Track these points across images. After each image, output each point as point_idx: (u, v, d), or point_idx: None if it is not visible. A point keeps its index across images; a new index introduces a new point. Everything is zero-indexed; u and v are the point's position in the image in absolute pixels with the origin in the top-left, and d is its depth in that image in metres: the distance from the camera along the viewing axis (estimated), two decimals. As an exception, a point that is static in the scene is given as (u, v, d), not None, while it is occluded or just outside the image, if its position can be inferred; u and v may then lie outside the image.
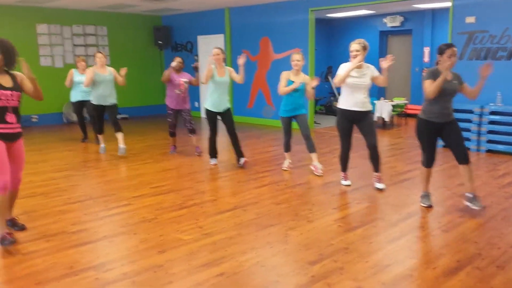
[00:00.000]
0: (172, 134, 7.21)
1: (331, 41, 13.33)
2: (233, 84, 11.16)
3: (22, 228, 3.99)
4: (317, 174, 5.80)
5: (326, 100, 12.66)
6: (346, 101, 4.98)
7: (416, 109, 11.17)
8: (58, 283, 3.01)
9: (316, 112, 11.39)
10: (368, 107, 5.00)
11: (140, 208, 4.58)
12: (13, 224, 3.99)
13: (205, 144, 6.95)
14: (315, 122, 10.22)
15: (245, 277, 3.09)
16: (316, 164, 5.85)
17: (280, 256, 3.41)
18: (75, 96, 8.18)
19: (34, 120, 10.46)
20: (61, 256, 3.43)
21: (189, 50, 12.08)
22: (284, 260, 3.36)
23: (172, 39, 12.44)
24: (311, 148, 5.89)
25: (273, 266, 3.24)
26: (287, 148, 6.07)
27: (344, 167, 5.33)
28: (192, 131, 7.09)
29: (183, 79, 6.84)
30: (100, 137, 7.47)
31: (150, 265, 3.26)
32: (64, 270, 3.19)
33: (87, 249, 3.61)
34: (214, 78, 6.05)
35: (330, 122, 10.68)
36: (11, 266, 3.29)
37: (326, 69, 12.65)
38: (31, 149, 7.70)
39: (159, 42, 12.24)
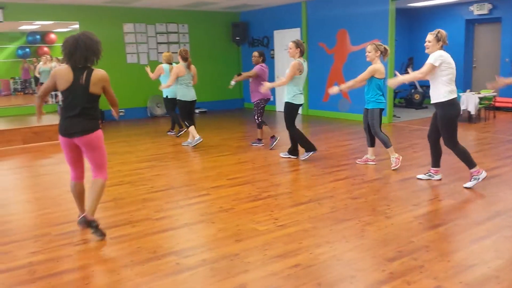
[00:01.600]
0: (261, 125, 7.27)
1: (412, 32, 12.76)
2: (309, 77, 11.11)
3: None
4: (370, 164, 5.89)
5: (406, 93, 12.17)
6: (452, 92, 4.71)
7: (506, 101, 10.39)
8: (143, 266, 3.20)
9: (395, 105, 10.98)
10: None
11: (218, 198, 4.73)
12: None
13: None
14: (394, 116, 9.87)
15: (321, 269, 3.09)
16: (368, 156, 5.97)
17: (356, 251, 3.36)
18: (169, 93, 8.27)
19: (121, 114, 11.16)
20: (145, 241, 3.65)
21: (265, 45, 12.19)
22: (361, 255, 3.30)
23: (249, 34, 12.62)
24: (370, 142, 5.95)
25: (350, 261, 3.20)
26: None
27: (472, 163, 4.85)
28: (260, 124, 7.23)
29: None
30: (192, 128, 7.56)
31: (227, 253, 3.37)
32: (148, 254, 3.39)
33: (169, 235, 3.80)
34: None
35: (409, 115, 10.27)
36: (100, 249, 3.55)
37: (406, 60, 12.14)
38: (118, 141, 8.25)
39: (237, 38, 12.47)
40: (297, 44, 6.00)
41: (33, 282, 3.01)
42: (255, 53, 7.13)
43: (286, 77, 6.04)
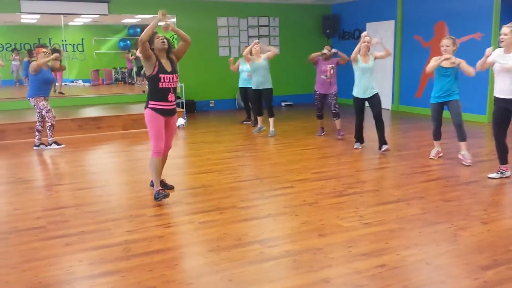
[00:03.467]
0: (319, 117, 7.58)
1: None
2: (402, 72, 10.64)
3: (171, 187, 4.76)
4: (465, 164, 5.53)
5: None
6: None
7: None
8: (228, 252, 3.30)
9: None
10: None
11: (301, 191, 4.72)
12: (164, 185, 4.70)
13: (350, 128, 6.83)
14: (495, 115, 9.16)
15: (408, 272, 2.97)
16: (464, 153, 5.58)
17: (447, 256, 3.18)
18: (240, 83, 9.11)
19: (211, 105, 11.56)
20: (231, 228, 3.76)
21: (356, 38, 11.88)
22: (453, 260, 3.12)
23: (340, 27, 12.38)
24: (461, 137, 5.59)
25: (440, 266, 3.03)
26: (437, 136, 5.87)
27: (505, 159, 4.92)
28: (336, 115, 7.33)
29: (329, 65, 7.18)
30: (259, 118, 8.16)
31: (310, 247, 3.35)
32: (234, 241, 3.49)
33: (253, 224, 3.88)
34: (358, 64, 6.20)
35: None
36: (189, 233, 3.72)
37: None
38: (208, 131, 8.56)
39: (327, 30, 12.30)
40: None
41: (128, 259, 3.23)
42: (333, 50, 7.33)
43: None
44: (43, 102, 6.85)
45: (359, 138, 6.62)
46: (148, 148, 7.16)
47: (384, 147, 6.30)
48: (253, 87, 7.86)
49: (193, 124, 9.47)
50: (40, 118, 6.95)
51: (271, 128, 7.85)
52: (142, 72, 11.93)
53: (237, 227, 3.78)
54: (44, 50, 7.06)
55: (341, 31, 12.36)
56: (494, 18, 8.51)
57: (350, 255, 3.21)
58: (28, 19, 11.68)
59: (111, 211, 4.25)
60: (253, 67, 7.74)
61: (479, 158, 5.82)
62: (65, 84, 13.24)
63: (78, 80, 14.60)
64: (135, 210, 4.24)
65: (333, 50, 7.25)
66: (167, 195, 4.32)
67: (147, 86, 4.44)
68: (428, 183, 4.93)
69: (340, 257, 3.18)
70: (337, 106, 7.33)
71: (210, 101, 11.54)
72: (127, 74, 15.12)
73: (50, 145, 7.03)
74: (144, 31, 4.08)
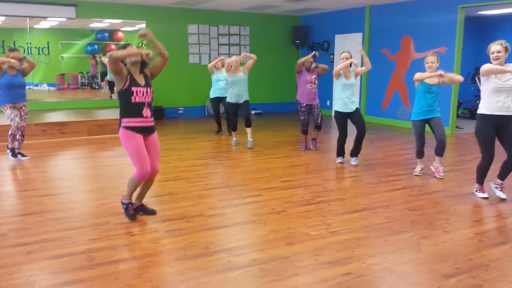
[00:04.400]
0: (305, 132, 7.31)
1: (480, 41, 12.13)
2: (368, 83, 10.88)
3: (152, 213, 4.23)
4: (438, 176, 5.61)
5: (471, 104, 11.63)
6: (489, 106, 4.55)
7: None
8: (195, 261, 3.26)
9: (458, 116, 10.52)
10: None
11: (270, 199, 4.74)
12: (144, 210, 4.24)
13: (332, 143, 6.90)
14: (457, 127, 9.47)
15: (373, 280, 3.01)
16: (437, 166, 5.69)
17: (411, 265, 3.25)
18: (214, 93, 8.77)
19: (180, 111, 11.47)
20: (198, 236, 3.72)
21: (325, 49, 12.09)
22: (416, 269, 3.19)
23: (309, 38, 12.57)
24: (440, 152, 5.64)
25: (404, 274, 3.10)
26: (420, 154, 5.76)
27: (482, 179, 4.84)
28: (318, 127, 7.23)
29: (313, 75, 7.09)
30: (233, 132, 7.93)
31: (278, 255, 3.36)
32: (201, 250, 3.46)
33: (221, 232, 3.86)
34: (341, 80, 6.18)
35: (473, 127, 9.78)
36: (155, 241, 3.66)
37: (473, 70, 11.60)
38: (176, 138, 8.48)
39: (297, 41, 12.46)
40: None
41: (91, 268, 3.15)
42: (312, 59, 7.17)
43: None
44: (8, 111, 6.31)
45: (341, 152, 6.45)
46: (116, 154, 7.06)
47: (354, 161, 6.31)
48: (232, 101, 7.58)
49: (161, 131, 9.36)
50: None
51: (250, 138, 7.59)
52: (108, 78, 11.72)
53: (204, 236, 3.75)
54: (13, 54, 6.55)
55: (311, 42, 12.54)
56: (457, 33, 8.84)
57: (317, 263, 3.23)
58: (-9, 20, 11.33)
59: (75, 219, 4.14)
60: (232, 80, 7.50)
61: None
62: (29, 88, 12.86)
63: (42, 83, 14.20)
64: (99, 218, 4.14)
65: (316, 53, 7.17)
66: (134, 217, 4.09)
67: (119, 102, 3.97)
68: (393, 192, 5.04)
69: (307, 265, 3.20)
70: (321, 118, 7.19)
71: (179, 108, 11.46)
72: (91, 79, 14.83)
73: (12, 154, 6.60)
74: (119, 51, 3.77)
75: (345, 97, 6.16)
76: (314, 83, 7.07)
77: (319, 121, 7.16)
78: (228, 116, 8.08)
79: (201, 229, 3.89)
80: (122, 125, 3.89)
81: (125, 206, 4.15)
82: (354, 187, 5.41)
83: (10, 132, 6.42)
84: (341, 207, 4.52)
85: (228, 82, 7.60)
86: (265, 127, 9.93)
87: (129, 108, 3.86)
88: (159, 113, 10.69)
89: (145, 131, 3.95)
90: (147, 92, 3.92)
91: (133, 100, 3.84)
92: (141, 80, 3.91)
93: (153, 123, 4.04)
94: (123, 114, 3.89)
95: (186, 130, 9.58)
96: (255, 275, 3.07)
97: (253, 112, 12.24)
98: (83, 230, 3.84)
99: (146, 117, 3.93)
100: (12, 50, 6.47)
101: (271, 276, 3.03)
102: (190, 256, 3.33)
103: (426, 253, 3.42)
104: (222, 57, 8.36)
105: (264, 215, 4.26)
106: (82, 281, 2.96)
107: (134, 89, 3.84)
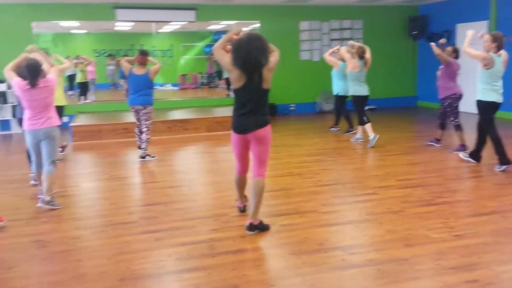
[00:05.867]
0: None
1: None
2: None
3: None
4: None
5: None
6: None
7: None
8: (310, 256, 3.30)
9: None
10: None
11: (385, 198, 4.58)
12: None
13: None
14: None
15: (503, 290, 2.77)
16: None
17: (549, 276, 2.92)
18: (340, 89, 8.35)
19: (291, 108, 11.60)
20: (312, 232, 3.75)
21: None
22: (556, 281, 2.86)
23: (427, 29, 11.84)
24: None
25: (540, 285, 2.80)
26: None
27: None
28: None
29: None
30: (367, 127, 7.40)
31: (395, 257, 3.25)
32: (315, 245, 3.48)
33: (335, 230, 3.84)
34: (495, 66, 5.41)
35: None
36: (271, 234, 3.76)
37: None
38: (288, 134, 8.59)
39: (414, 32, 11.82)
40: (494, 38, 5.37)
41: (213, 257, 3.35)
42: (449, 48, 6.64)
43: None
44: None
45: (505, 155, 5.48)
46: (232, 150, 7.36)
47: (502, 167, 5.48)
48: (363, 94, 7.38)
49: (273, 127, 9.42)
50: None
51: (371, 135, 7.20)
52: (225, 75, 12.26)
53: (318, 232, 3.76)
54: (128, 58, 7.11)
55: (429, 33, 11.80)
56: None
57: (439, 267, 3.06)
58: (122, 26, 12.53)
59: (197, 209, 4.43)
60: (354, 75, 7.31)
61: None
62: (156, 88, 14.00)
63: (167, 84, 15.39)
64: (219, 210, 4.38)
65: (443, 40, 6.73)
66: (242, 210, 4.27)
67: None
68: (527, 195, 4.57)
69: (428, 269, 3.05)
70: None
71: (291, 105, 11.58)
72: (209, 79, 15.66)
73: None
74: (218, 41, 3.90)
75: (489, 85, 5.45)
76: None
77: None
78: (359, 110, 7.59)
79: (315, 225, 3.90)
80: (269, 123, 3.90)
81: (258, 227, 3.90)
82: (480, 188, 5.00)
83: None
84: (466, 209, 4.22)
85: (351, 77, 7.36)
86: (378, 123, 9.59)
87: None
88: (271, 110, 10.92)
89: None
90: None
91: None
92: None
93: None
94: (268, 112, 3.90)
95: (298, 126, 9.65)
96: (371, 276, 3.00)
97: (366, 107, 11.90)
98: (204, 220, 4.09)
99: None
100: (142, 53, 6.93)
101: (389, 278, 2.94)
102: (304, 251, 3.37)
103: None
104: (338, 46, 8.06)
105: (380, 215, 4.13)
106: (205, 269, 3.16)
107: None
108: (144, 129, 6.62)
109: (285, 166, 6.09)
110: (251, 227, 3.75)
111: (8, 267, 3.27)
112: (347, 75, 7.52)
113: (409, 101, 12.45)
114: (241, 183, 4.15)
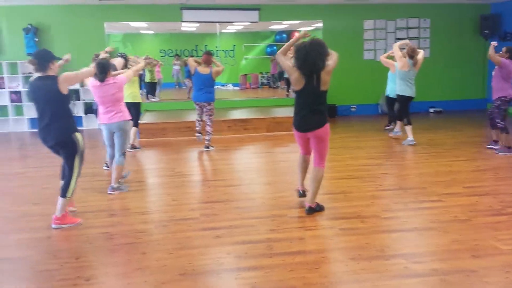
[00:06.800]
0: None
1: None
2: None
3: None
4: None
5: None
6: None
7: None
8: (370, 263, 3.22)
9: None
10: None
11: (452, 206, 4.39)
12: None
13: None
14: None
15: None
16: None
17: None
18: (391, 91, 8.32)
19: (352, 109, 11.39)
20: (373, 238, 3.66)
21: (521, 39, 10.62)
22: None
23: (500, 28, 11.18)
24: None
25: None
26: None
27: None
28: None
29: None
30: (399, 123, 7.80)
31: (462, 268, 3.10)
32: (376, 252, 3.40)
33: (397, 236, 3.73)
34: None
35: None
36: (330, 238, 3.73)
37: None
38: (349, 136, 8.45)
39: (485, 31, 11.21)
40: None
41: (270, 257, 3.36)
42: (503, 49, 6.37)
43: None
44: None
45: None
46: (291, 150, 7.38)
47: None
48: (408, 95, 7.35)
49: (333, 129, 9.31)
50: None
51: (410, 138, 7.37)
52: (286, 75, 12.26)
53: (379, 238, 3.67)
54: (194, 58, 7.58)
55: (502, 32, 11.14)
56: None
57: (509, 281, 2.89)
58: (187, 27, 12.89)
59: (256, 209, 4.47)
60: (403, 74, 7.30)
61: None
62: (217, 87, 14.27)
63: (228, 84, 15.65)
64: (277, 210, 4.39)
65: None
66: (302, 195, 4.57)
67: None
68: None
69: (497, 282, 2.89)
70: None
71: (352, 106, 11.37)
72: (272, 78, 15.72)
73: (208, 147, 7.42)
74: (284, 47, 4.23)
75: None
76: None
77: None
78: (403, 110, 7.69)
79: (376, 231, 3.81)
80: (327, 121, 4.19)
81: (316, 209, 4.32)
82: (557, 199, 4.65)
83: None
84: (541, 221, 3.94)
85: (399, 76, 7.39)
86: (444, 126, 9.21)
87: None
88: (331, 111, 10.78)
89: None
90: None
91: None
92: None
93: None
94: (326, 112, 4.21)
95: (359, 128, 9.45)
96: (435, 286, 2.89)
97: (431, 110, 11.47)
98: (263, 220, 4.12)
99: None
100: (208, 53, 7.28)
101: (454, 289, 2.82)
102: (365, 257, 3.31)
103: None
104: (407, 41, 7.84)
105: (445, 223, 3.96)
106: (262, 268, 3.19)
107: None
108: (208, 123, 7.29)
109: (345, 168, 6.00)
110: (310, 210, 4.21)
111: (76, 256, 3.48)
112: (396, 74, 7.51)
113: (478, 104, 11.81)
114: (304, 164, 4.55)
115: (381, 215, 4.21)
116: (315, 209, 4.23)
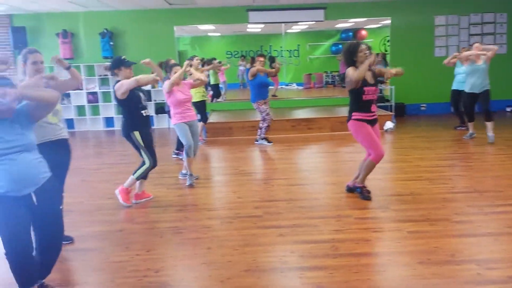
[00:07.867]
0: None
1: None
2: None
3: (367, 198, 4.58)
4: None
5: None
6: None
7: None
8: (440, 268, 3.09)
9: None
10: None
11: (532, 212, 4.10)
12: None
13: None
14: None
15: None
16: None
17: None
18: (454, 85, 8.50)
19: (422, 108, 10.95)
20: (443, 242, 3.51)
21: None
22: None
23: None
24: None
25: None
26: None
27: None
28: None
29: None
30: (470, 124, 7.58)
31: (542, 277, 2.89)
32: (446, 256, 3.26)
33: (469, 241, 3.55)
34: None
35: None
36: (397, 240, 3.61)
37: None
38: (418, 136, 8.14)
39: None
40: None
41: (334, 258, 3.33)
42: None
43: None
44: (263, 106, 7.51)
45: None
46: (355, 150, 7.24)
47: None
48: (468, 90, 7.30)
49: (402, 128, 9.13)
50: (262, 118, 7.66)
51: (489, 133, 7.15)
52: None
53: (450, 242, 3.51)
54: (261, 59, 7.68)
55: None
56: None
57: None
58: (253, 28, 13.04)
59: (320, 208, 4.44)
60: (471, 69, 7.20)
61: None
62: (281, 87, 14.32)
63: (292, 83, 15.65)
64: (342, 210, 4.33)
65: None
66: (369, 198, 4.57)
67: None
68: None
69: None
70: None
71: (422, 105, 10.94)
72: (338, 78, 15.51)
73: (257, 141, 7.79)
74: (358, 72, 4.25)
75: None
76: None
77: None
78: (466, 108, 7.64)
79: (447, 235, 3.65)
80: (352, 117, 4.44)
81: (359, 189, 4.66)
82: None
83: (266, 124, 7.67)
84: None
85: (467, 72, 7.35)
86: (525, 126, 8.61)
87: (360, 104, 4.38)
88: (400, 110, 10.44)
89: (370, 123, 4.46)
90: (375, 90, 4.41)
91: (364, 98, 4.35)
92: (370, 78, 4.36)
93: (376, 116, 4.53)
94: (354, 108, 4.43)
95: (429, 128, 9.07)
96: (512, 295, 2.72)
97: (508, 109, 10.77)
98: (327, 220, 4.08)
99: (373, 112, 4.45)
100: (260, 55, 7.60)
101: (534, 300, 2.64)
102: (434, 262, 3.18)
103: None
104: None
105: (524, 229, 3.71)
106: (326, 269, 3.16)
107: (365, 88, 4.32)
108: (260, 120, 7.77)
109: (414, 169, 5.79)
110: (350, 189, 4.78)
111: (147, 249, 3.64)
112: (467, 69, 7.34)
113: None
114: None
115: (452, 218, 4.02)
116: (353, 189, 4.72)
